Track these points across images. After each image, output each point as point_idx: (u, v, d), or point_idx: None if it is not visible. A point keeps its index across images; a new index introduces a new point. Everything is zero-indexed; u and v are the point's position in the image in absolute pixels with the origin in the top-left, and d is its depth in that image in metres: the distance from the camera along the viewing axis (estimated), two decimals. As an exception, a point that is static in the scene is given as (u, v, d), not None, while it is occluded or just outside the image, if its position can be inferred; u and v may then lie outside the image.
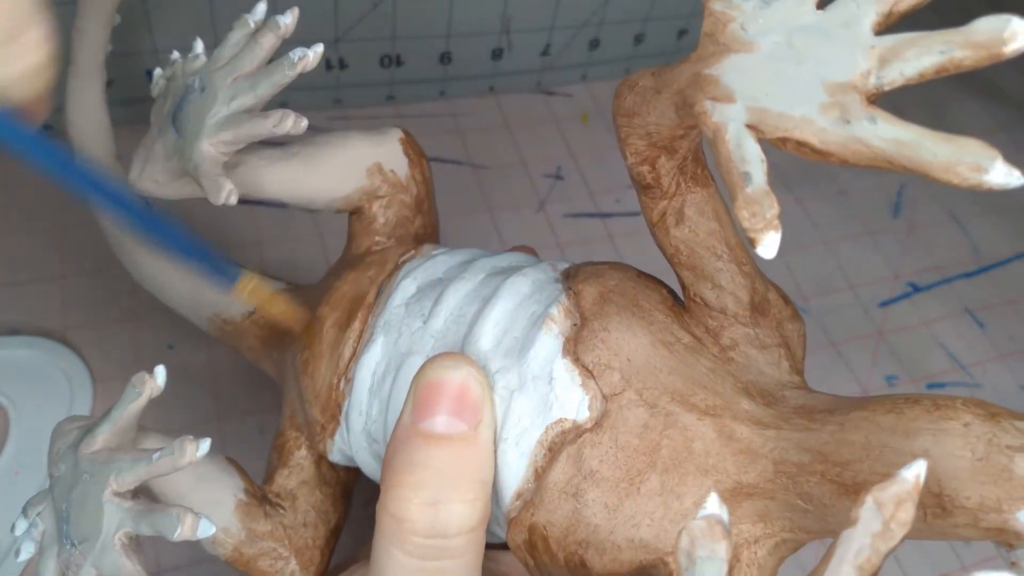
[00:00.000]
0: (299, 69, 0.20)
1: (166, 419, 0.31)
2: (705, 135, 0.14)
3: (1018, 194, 0.47)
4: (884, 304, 0.41)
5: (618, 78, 0.48)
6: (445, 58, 0.42)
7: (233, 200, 0.19)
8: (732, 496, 0.16)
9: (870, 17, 0.13)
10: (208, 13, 0.36)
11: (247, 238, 0.37)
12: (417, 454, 0.16)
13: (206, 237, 0.36)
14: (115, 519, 0.17)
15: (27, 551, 0.18)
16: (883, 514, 0.11)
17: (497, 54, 0.43)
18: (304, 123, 0.19)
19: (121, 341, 0.33)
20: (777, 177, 0.45)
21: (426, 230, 0.25)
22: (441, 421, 0.16)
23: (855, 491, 0.15)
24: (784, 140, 0.13)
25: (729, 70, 0.14)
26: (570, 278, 0.19)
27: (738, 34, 0.14)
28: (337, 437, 0.21)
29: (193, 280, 0.26)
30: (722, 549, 0.12)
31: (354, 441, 0.21)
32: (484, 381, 0.17)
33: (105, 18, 0.28)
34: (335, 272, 0.23)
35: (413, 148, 0.24)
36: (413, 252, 0.22)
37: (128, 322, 0.34)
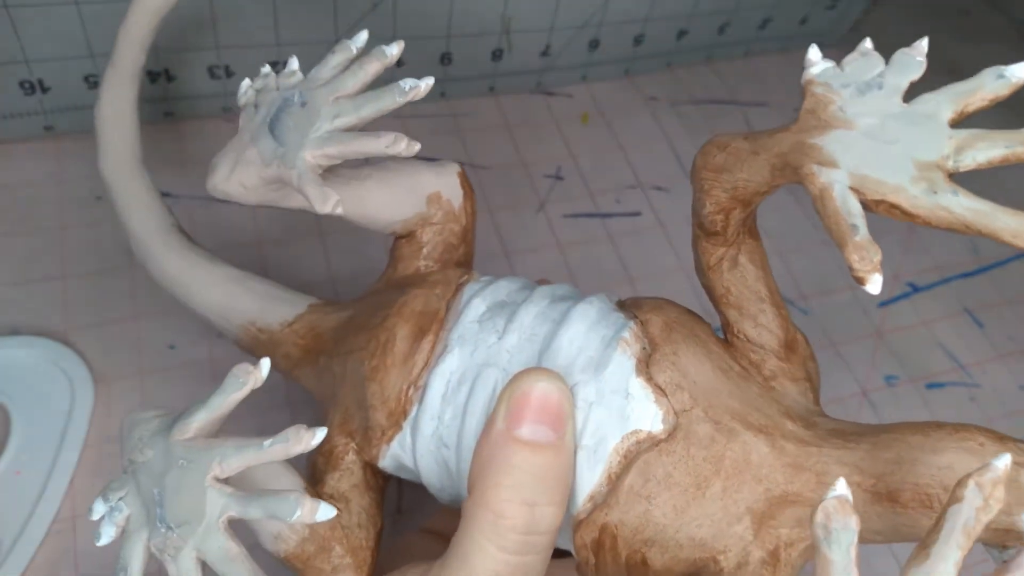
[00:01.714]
0: (409, 98, 0.21)
1: (167, 419, 0.31)
2: (811, 192, 0.17)
3: (1018, 195, 0.47)
4: (883, 304, 0.41)
5: (618, 78, 0.48)
6: (445, 59, 0.42)
7: (340, 211, 0.21)
8: (779, 503, 0.19)
9: (948, 113, 0.17)
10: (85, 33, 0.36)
11: (247, 238, 0.37)
12: (515, 458, 0.18)
13: (208, 238, 0.36)
14: (219, 503, 0.17)
15: (107, 535, 0.18)
16: (983, 492, 0.14)
17: (497, 55, 0.43)
18: (416, 147, 0.21)
19: (122, 341, 0.33)
20: (777, 177, 0.45)
21: (467, 259, 0.26)
22: (536, 429, 0.18)
23: (887, 499, 0.18)
24: (879, 202, 0.16)
25: (832, 142, 0.17)
26: (628, 307, 0.22)
27: (838, 114, 0.17)
28: (395, 443, 0.22)
29: (224, 289, 0.26)
30: (853, 522, 0.14)
31: (420, 445, 0.22)
32: (569, 396, 0.19)
33: (153, 26, 0.28)
34: (395, 289, 0.24)
35: (467, 183, 0.26)
36: (467, 276, 0.24)
37: (129, 322, 0.34)
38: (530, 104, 0.46)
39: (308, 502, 0.17)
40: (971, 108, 0.17)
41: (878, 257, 0.15)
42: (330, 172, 0.23)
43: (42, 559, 0.28)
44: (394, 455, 0.22)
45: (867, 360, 0.39)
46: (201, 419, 0.19)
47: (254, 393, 0.33)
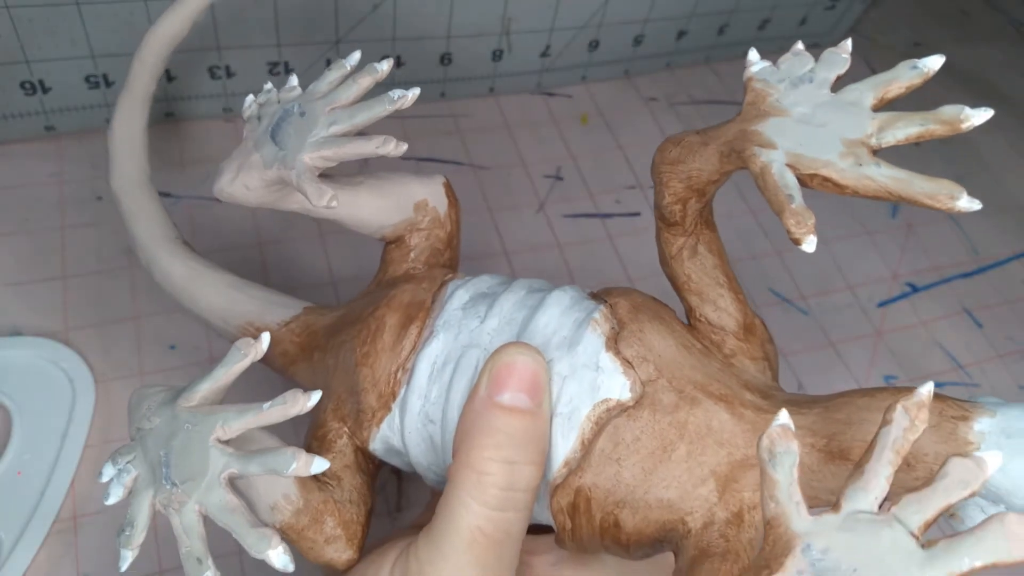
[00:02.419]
0: (397, 106, 0.23)
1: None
2: (752, 171, 0.19)
3: (1016, 195, 0.47)
4: (883, 304, 0.41)
5: (618, 79, 0.48)
6: (445, 59, 0.42)
7: (335, 204, 0.23)
8: (740, 466, 0.20)
9: (870, 99, 0.19)
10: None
11: (248, 239, 0.37)
12: (496, 421, 0.20)
13: (209, 238, 0.36)
14: (220, 461, 0.19)
15: (116, 495, 0.19)
16: (910, 415, 0.15)
17: (497, 55, 0.43)
18: (404, 147, 0.23)
19: (123, 342, 0.33)
20: (776, 178, 0.45)
21: (452, 263, 0.28)
22: (515, 396, 0.20)
23: (840, 457, 0.19)
24: (812, 176, 0.18)
25: (770, 128, 0.19)
26: (599, 296, 0.24)
27: (775, 104, 0.20)
28: (384, 425, 0.23)
29: (224, 292, 0.28)
30: (794, 446, 0.15)
31: (408, 423, 0.23)
32: (546, 367, 0.21)
33: (165, 55, 0.31)
34: (385, 287, 0.26)
35: (451, 192, 0.28)
36: (452, 275, 0.26)
37: (130, 323, 0.34)
38: (530, 104, 0.46)
39: (303, 456, 0.18)
40: (890, 95, 0.19)
41: (811, 220, 0.17)
42: (326, 178, 0.24)
43: (43, 559, 0.28)
44: (384, 437, 0.24)
45: (866, 360, 0.39)
46: (205, 388, 0.20)
47: (253, 392, 0.33)
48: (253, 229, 0.38)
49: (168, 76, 0.38)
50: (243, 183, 0.25)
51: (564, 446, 0.21)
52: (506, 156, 0.43)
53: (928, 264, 0.43)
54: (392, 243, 0.28)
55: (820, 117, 0.19)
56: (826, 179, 0.18)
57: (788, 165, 0.18)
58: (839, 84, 0.20)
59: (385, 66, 0.24)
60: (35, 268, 0.35)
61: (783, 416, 0.16)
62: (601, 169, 0.44)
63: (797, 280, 0.41)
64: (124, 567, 0.19)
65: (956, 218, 0.45)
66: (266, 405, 0.19)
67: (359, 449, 0.24)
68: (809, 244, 0.17)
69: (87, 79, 0.36)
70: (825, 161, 0.18)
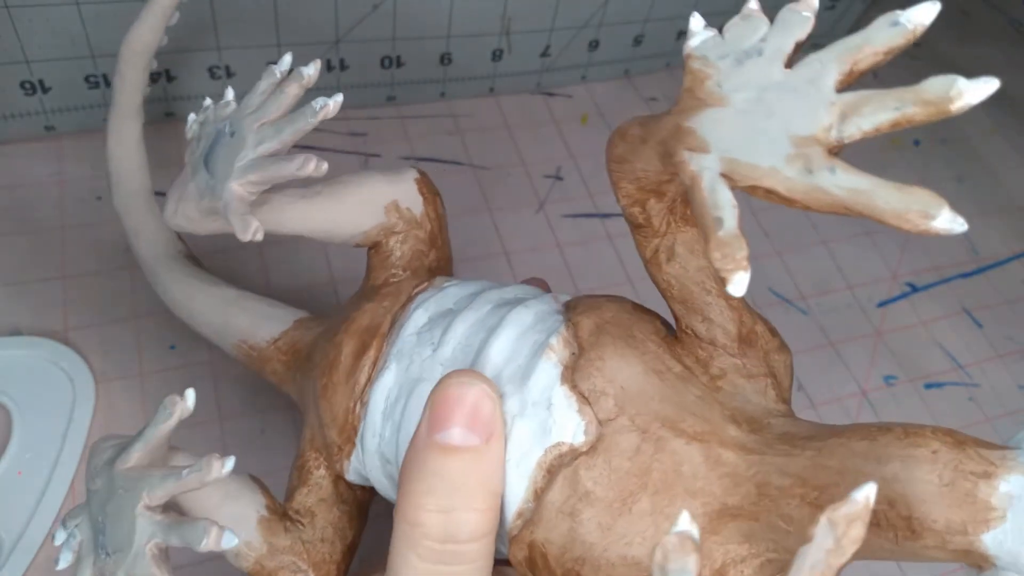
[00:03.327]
0: (320, 117, 0.21)
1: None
2: (683, 182, 0.15)
3: (1016, 195, 0.47)
4: (882, 304, 0.41)
5: (618, 79, 0.48)
6: (445, 59, 0.42)
7: (259, 237, 0.21)
8: (719, 517, 0.17)
9: (832, 76, 0.14)
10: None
11: (250, 242, 0.37)
12: (431, 463, 0.17)
13: (209, 240, 0.36)
14: (147, 530, 0.18)
15: (65, 560, 0.19)
16: (836, 532, 0.12)
17: (497, 55, 0.43)
18: (324, 166, 0.20)
19: (123, 342, 0.33)
20: (776, 178, 0.45)
21: (439, 263, 0.26)
22: (455, 433, 0.17)
23: None
24: (754, 188, 0.14)
25: (705, 123, 0.15)
26: (570, 310, 0.20)
27: (714, 90, 0.15)
28: (353, 458, 0.22)
29: (220, 309, 0.28)
30: (692, 563, 0.12)
31: (368, 462, 0.22)
32: (496, 398, 0.18)
33: (144, 65, 0.30)
34: (354, 303, 0.25)
35: (427, 187, 0.26)
36: (426, 284, 0.23)
37: (130, 322, 0.34)
38: (530, 104, 0.46)
39: (214, 531, 0.18)
40: (862, 65, 0.14)
41: (743, 253, 0.14)
42: (277, 194, 0.23)
43: (43, 559, 0.28)
44: (355, 469, 0.22)
45: (866, 360, 0.39)
46: (139, 449, 0.20)
47: (255, 394, 0.33)
48: (253, 229, 0.38)
49: (168, 76, 0.38)
50: (184, 215, 0.23)
51: (516, 496, 0.18)
52: (506, 156, 0.43)
53: (928, 264, 0.43)
54: (372, 248, 0.26)
55: (767, 105, 0.14)
56: (770, 191, 0.14)
57: (723, 175, 0.15)
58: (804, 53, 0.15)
59: (311, 70, 0.22)
60: (35, 268, 0.35)
61: (683, 520, 0.13)
62: (601, 169, 0.44)
63: (797, 280, 0.41)
64: None
65: (956, 218, 0.45)
66: (184, 472, 0.19)
67: (339, 478, 0.23)
68: (736, 285, 0.14)
69: (87, 79, 0.36)
70: (767, 169, 0.14)
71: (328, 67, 0.40)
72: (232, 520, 0.21)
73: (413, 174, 0.25)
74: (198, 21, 0.36)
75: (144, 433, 0.20)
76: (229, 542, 0.18)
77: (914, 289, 0.42)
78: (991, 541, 0.14)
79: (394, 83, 0.42)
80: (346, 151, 0.41)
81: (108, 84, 0.37)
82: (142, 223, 0.30)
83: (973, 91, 0.14)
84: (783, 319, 0.40)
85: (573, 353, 0.19)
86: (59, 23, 0.34)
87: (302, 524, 0.22)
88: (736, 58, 0.15)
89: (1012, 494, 0.14)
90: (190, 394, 0.20)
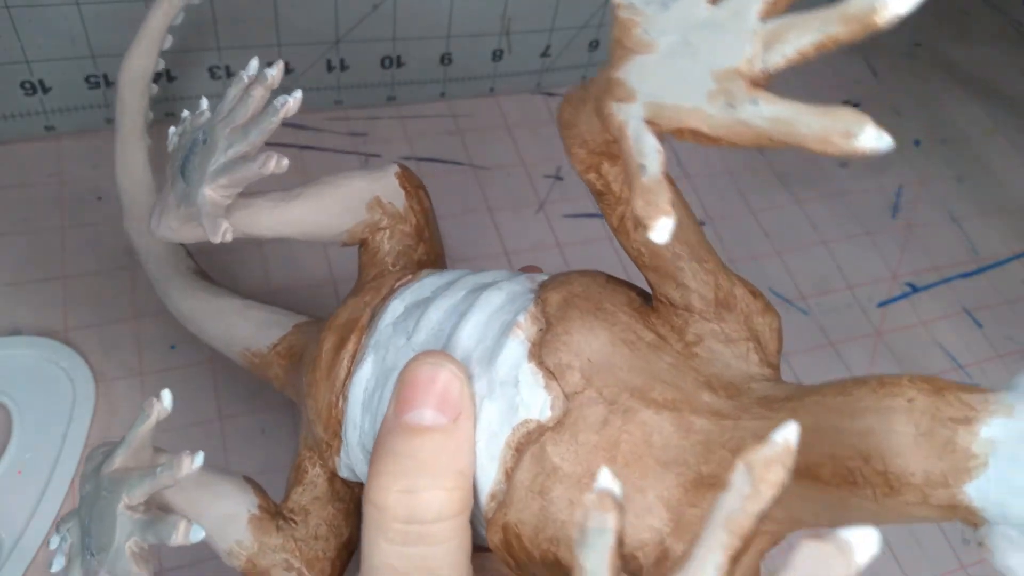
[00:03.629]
0: (282, 115, 0.21)
1: (169, 419, 0.31)
2: (614, 136, 0.15)
3: (1017, 195, 0.47)
4: (882, 304, 0.41)
5: (618, 79, 0.48)
6: (445, 59, 0.42)
7: (228, 237, 0.22)
8: (695, 488, 0.17)
9: (756, 5, 0.13)
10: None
11: (251, 244, 0.37)
12: (397, 445, 0.17)
13: (213, 248, 0.36)
14: (127, 529, 0.19)
15: (58, 563, 0.20)
16: (752, 476, 0.11)
17: (497, 55, 0.43)
18: (285, 162, 0.21)
19: (123, 341, 0.33)
20: (777, 178, 0.45)
21: (430, 257, 0.26)
22: (421, 414, 0.17)
23: (808, 477, 0.15)
24: (680, 131, 0.14)
25: (632, 71, 0.15)
26: (543, 288, 0.20)
27: (641, 37, 0.15)
28: (342, 454, 0.22)
29: (225, 320, 0.29)
30: (610, 520, 0.12)
31: (353, 455, 0.21)
32: (464, 378, 0.18)
33: (143, 89, 0.31)
34: (342, 301, 0.25)
35: (409, 181, 0.25)
36: (410, 277, 0.23)
37: (130, 322, 0.34)
38: (530, 104, 0.46)
39: (183, 525, 0.18)
40: None
41: (665, 198, 0.13)
42: (258, 198, 0.23)
43: (43, 559, 0.28)
44: (346, 465, 0.22)
45: (866, 360, 0.39)
46: (122, 453, 0.20)
47: (258, 397, 0.33)
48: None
49: (168, 76, 0.38)
50: (167, 225, 0.24)
51: (488, 477, 0.18)
52: (506, 156, 0.43)
53: (928, 264, 0.43)
54: (361, 246, 0.26)
55: (692, 45, 0.14)
56: (695, 132, 0.14)
57: (648, 121, 0.14)
58: None
59: (274, 71, 0.22)
60: (35, 268, 0.35)
61: (603, 477, 0.12)
62: (601, 169, 0.44)
63: (797, 280, 0.41)
64: None
65: (956, 218, 0.45)
66: (159, 470, 0.19)
67: (335, 476, 0.23)
68: (659, 232, 0.13)
69: (87, 79, 0.36)
70: (691, 108, 0.14)
71: (328, 67, 0.40)
72: (222, 520, 0.21)
73: (394, 168, 0.25)
74: (199, 21, 0.36)
75: (126, 437, 0.20)
76: (196, 535, 0.18)
77: (914, 289, 0.42)
78: (974, 492, 0.13)
79: (394, 83, 0.42)
80: (346, 151, 0.41)
81: (108, 84, 0.37)
82: (152, 244, 0.31)
83: (898, 1, 0.12)
84: (783, 319, 0.39)
85: (541, 329, 0.19)
86: (59, 23, 0.34)
87: (295, 522, 0.22)
88: (661, 2, 0.15)
89: (994, 439, 0.13)
90: (166, 395, 0.21)
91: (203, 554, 0.30)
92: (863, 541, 0.10)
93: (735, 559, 0.11)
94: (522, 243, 0.40)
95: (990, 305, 0.42)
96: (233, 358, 0.29)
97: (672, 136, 0.14)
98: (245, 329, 0.28)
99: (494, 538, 0.18)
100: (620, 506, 0.12)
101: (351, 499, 0.24)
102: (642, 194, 0.14)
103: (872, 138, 0.12)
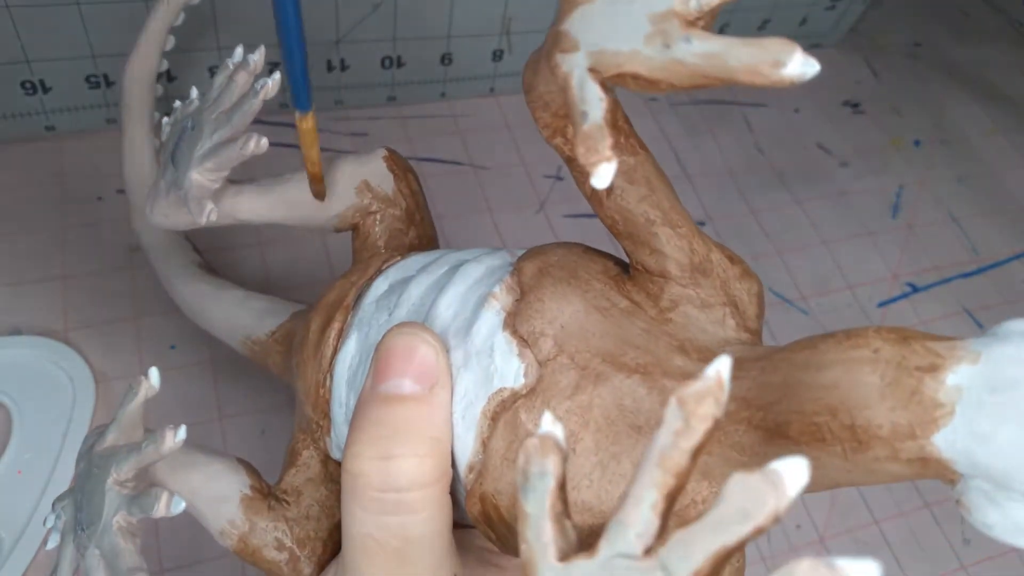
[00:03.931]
0: (262, 97, 0.22)
1: (168, 419, 0.32)
2: (560, 86, 0.15)
3: (1017, 195, 0.47)
4: (883, 304, 0.41)
5: (618, 79, 0.48)
6: (446, 59, 0.42)
7: (213, 218, 0.22)
8: None
9: None
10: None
11: (249, 239, 0.37)
12: (373, 414, 0.17)
13: (203, 234, 0.36)
14: (114, 504, 0.19)
15: (54, 540, 0.20)
16: (684, 412, 0.11)
17: (498, 55, 0.43)
18: (264, 141, 0.21)
19: (123, 341, 0.33)
20: (777, 178, 0.45)
21: (421, 241, 0.26)
22: (397, 383, 0.17)
23: (779, 435, 0.15)
24: (621, 77, 0.14)
25: (575, 22, 0.15)
26: (519, 259, 0.20)
27: None
28: (332, 434, 0.22)
29: (227, 311, 0.30)
30: (551, 464, 0.12)
31: (340, 434, 0.21)
32: (440, 348, 0.18)
33: (147, 91, 0.32)
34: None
35: (397, 164, 0.25)
36: (398, 258, 0.23)
37: (130, 322, 0.34)
38: (530, 104, 0.46)
39: (164, 497, 0.18)
40: None
41: (606, 143, 0.14)
42: (251, 184, 0.24)
43: (43, 558, 0.28)
44: (337, 445, 0.22)
45: (866, 360, 0.39)
46: (113, 431, 0.21)
47: (257, 397, 0.33)
48: (254, 229, 0.38)
49: (168, 76, 0.38)
50: (160, 213, 0.24)
51: (466, 448, 0.18)
52: (506, 156, 0.43)
53: (928, 264, 0.43)
54: (354, 232, 0.26)
55: None
56: (635, 76, 0.14)
57: (591, 69, 0.14)
58: None
59: (256, 56, 0.23)
60: (35, 268, 0.35)
61: (545, 420, 0.12)
62: (601, 169, 0.44)
63: (797, 280, 0.41)
64: None
65: (956, 218, 0.45)
66: (144, 444, 0.19)
67: (328, 458, 0.23)
68: (600, 177, 0.14)
69: (87, 79, 0.36)
70: (629, 52, 0.14)
71: (328, 67, 0.40)
72: (215, 500, 0.21)
73: (381, 152, 0.25)
74: (199, 21, 0.36)
75: (116, 416, 0.21)
76: (176, 507, 0.18)
77: (914, 289, 0.42)
78: (942, 442, 0.13)
79: (394, 83, 0.42)
80: (346, 151, 0.41)
81: (108, 84, 0.37)
82: (159, 243, 0.32)
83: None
84: (783, 319, 0.40)
85: (516, 300, 0.19)
86: (59, 23, 0.34)
87: (288, 503, 0.22)
88: None
89: (960, 386, 0.13)
90: (153, 372, 0.21)
91: (203, 554, 0.30)
92: (793, 472, 0.10)
93: (670, 497, 0.11)
94: (522, 243, 0.40)
95: (990, 305, 0.42)
96: (235, 347, 0.29)
97: (615, 84, 0.14)
98: (246, 319, 0.28)
99: (473, 510, 0.18)
100: (562, 450, 0.12)
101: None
102: (583, 141, 0.14)
103: (799, 64, 0.12)
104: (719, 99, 0.49)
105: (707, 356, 0.17)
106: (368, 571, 0.17)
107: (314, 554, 0.22)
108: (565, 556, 0.12)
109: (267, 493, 0.22)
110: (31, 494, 0.29)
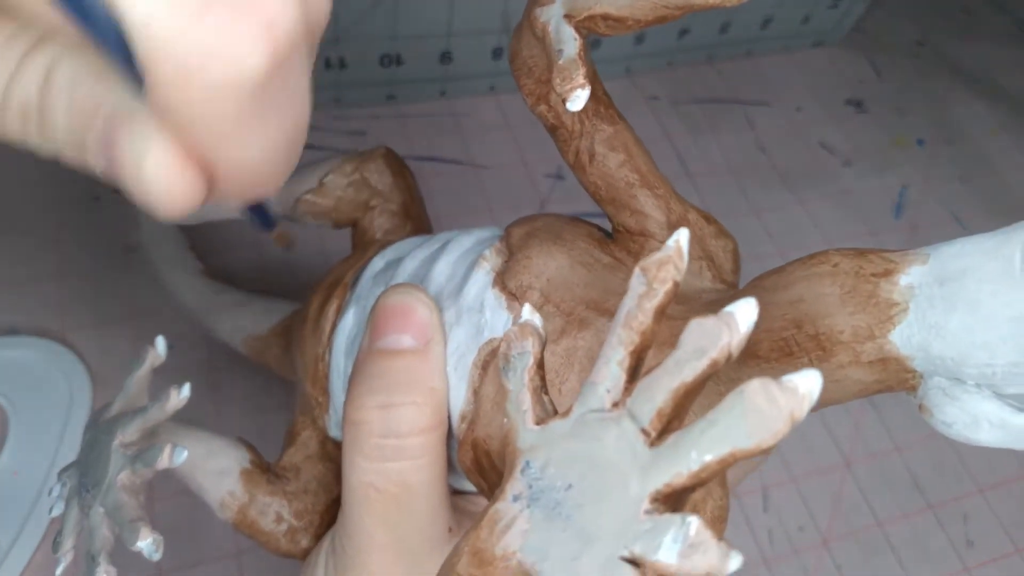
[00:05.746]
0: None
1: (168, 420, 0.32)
2: (538, 36, 0.17)
3: (1021, 195, 0.47)
4: (885, 305, 0.41)
5: (619, 77, 0.48)
6: (446, 57, 0.42)
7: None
8: None
9: None
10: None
11: (247, 238, 0.37)
12: (373, 367, 0.18)
13: (203, 239, 0.36)
14: (119, 464, 0.19)
15: (58, 508, 0.21)
16: (647, 277, 0.12)
17: (497, 53, 0.43)
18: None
19: (120, 342, 0.33)
20: (779, 178, 0.45)
21: (417, 235, 0.26)
22: (395, 339, 0.18)
23: (750, 356, 0.16)
24: (592, 19, 0.16)
25: None
26: (508, 227, 0.21)
27: None
28: (330, 410, 0.23)
29: (229, 314, 0.30)
30: (530, 345, 0.13)
31: (339, 410, 0.22)
32: (433, 306, 0.19)
33: None
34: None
35: (394, 161, 0.27)
36: (395, 241, 0.24)
37: (127, 322, 0.34)
38: (531, 103, 0.46)
39: (167, 448, 0.19)
40: None
41: (579, 72, 0.16)
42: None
43: (40, 559, 0.28)
44: (335, 423, 0.23)
45: (869, 361, 0.39)
46: (120, 400, 0.21)
47: (256, 397, 0.33)
48: (252, 230, 0.38)
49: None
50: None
51: (458, 398, 0.19)
52: (507, 155, 0.43)
53: (931, 264, 0.43)
54: (353, 227, 0.27)
55: None
56: (605, 16, 0.16)
57: (566, 16, 0.17)
58: None
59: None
60: (32, 267, 0.35)
61: (525, 311, 0.13)
62: (602, 168, 0.44)
63: (799, 280, 0.41)
64: (58, 573, 0.20)
65: (960, 218, 0.45)
66: (148, 406, 0.20)
67: (327, 438, 0.24)
68: (574, 101, 0.16)
69: (85, 77, 0.36)
70: None
71: (327, 65, 0.40)
72: (216, 474, 0.22)
73: (380, 151, 0.27)
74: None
75: (125, 385, 0.22)
76: (179, 456, 0.19)
77: (917, 289, 0.42)
78: (899, 339, 0.14)
79: (394, 81, 0.42)
80: (345, 150, 0.41)
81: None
82: (166, 255, 0.34)
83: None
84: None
85: (505, 260, 0.20)
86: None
87: (287, 479, 0.23)
88: None
89: (912, 284, 0.14)
90: (160, 341, 0.22)
91: (203, 554, 0.30)
92: (743, 310, 0.11)
93: (635, 354, 0.12)
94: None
95: (994, 305, 0.42)
96: (237, 347, 0.30)
97: (587, 27, 0.16)
98: (248, 318, 0.29)
99: (465, 459, 0.19)
100: (540, 335, 0.13)
101: (340, 460, 0.24)
102: (559, 72, 0.16)
103: None
104: (721, 98, 0.48)
105: (683, 300, 0.18)
106: (368, 520, 0.18)
107: (311, 526, 0.23)
108: (541, 421, 0.13)
109: (267, 468, 0.23)
110: (28, 494, 0.29)
